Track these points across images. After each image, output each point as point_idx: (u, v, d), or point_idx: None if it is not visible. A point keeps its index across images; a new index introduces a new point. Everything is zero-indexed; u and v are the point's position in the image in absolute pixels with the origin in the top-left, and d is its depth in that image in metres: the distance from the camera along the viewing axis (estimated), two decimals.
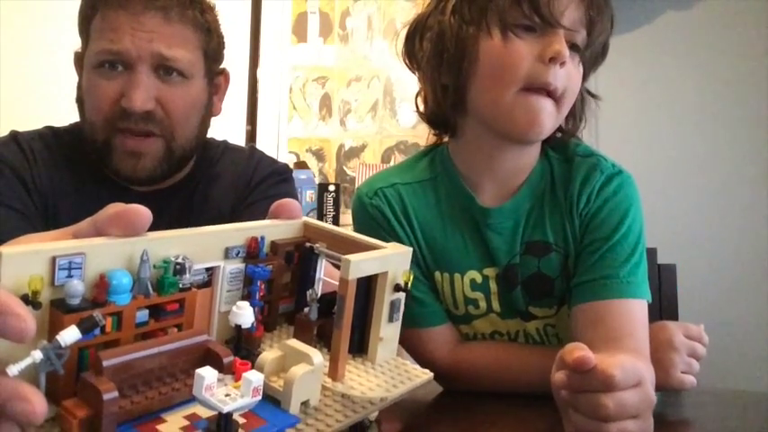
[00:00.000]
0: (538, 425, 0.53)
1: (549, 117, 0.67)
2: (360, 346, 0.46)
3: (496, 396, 0.66)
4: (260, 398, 0.30)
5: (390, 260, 0.43)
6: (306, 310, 0.45)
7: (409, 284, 0.44)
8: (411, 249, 0.45)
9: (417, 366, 0.46)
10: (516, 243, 0.73)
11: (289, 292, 0.50)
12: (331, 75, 2.26)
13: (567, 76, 0.66)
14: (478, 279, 0.74)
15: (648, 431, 0.49)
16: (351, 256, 0.39)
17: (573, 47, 0.67)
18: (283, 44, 2.25)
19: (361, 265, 0.40)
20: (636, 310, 0.67)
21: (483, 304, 0.75)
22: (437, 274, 0.75)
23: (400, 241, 0.59)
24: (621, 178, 0.73)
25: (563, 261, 0.73)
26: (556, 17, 0.64)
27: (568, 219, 0.72)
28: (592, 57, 0.71)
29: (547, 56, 0.63)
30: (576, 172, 0.73)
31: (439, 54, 0.70)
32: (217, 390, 0.29)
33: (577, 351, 0.47)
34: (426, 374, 0.45)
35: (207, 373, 0.29)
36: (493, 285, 0.74)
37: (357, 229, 0.76)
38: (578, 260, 0.71)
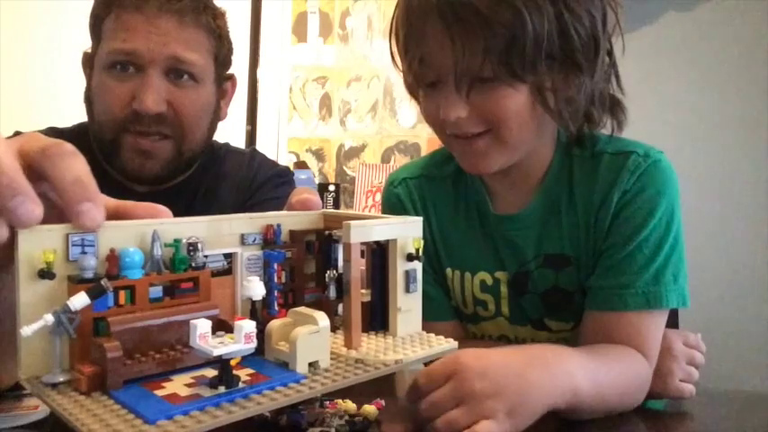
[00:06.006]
0: (538, 425, 0.52)
1: (484, 155, 0.64)
2: (383, 324, 0.46)
3: None
4: (254, 345, 0.30)
5: (397, 227, 0.43)
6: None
7: (420, 252, 0.44)
8: (420, 218, 0.45)
9: (442, 337, 0.45)
10: (527, 253, 0.70)
11: (316, 282, 0.50)
12: (331, 75, 2.28)
13: (480, 113, 0.61)
14: (489, 281, 0.73)
15: (478, 412, 0.49)
16: (352, 222, 0.39)
17: (482, 78, 0.60)
18: (283, 44, 2.27)
19: (361, 229, 0.40)
20: (651, 321, 0.64)
21: (492, 307, 0.73)
22: (448, 270, 0.75)
23: None
24: (650, 173, 0.65)
25: (582, 274, 0.69)
26: (431, 73, 0.62)
27: (592, 226, 0.67)
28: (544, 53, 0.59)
29: (441, 118, 0.63)
30: (601, 173, 0.67)
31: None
32: (211, 339, 0.30)
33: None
34: (449, 342, 0.44)
35: (200, 323, 0.30)
36: (504, 289, 0.72)
37: (383, 213, 0.77)
38: (597, 262, 0.67)
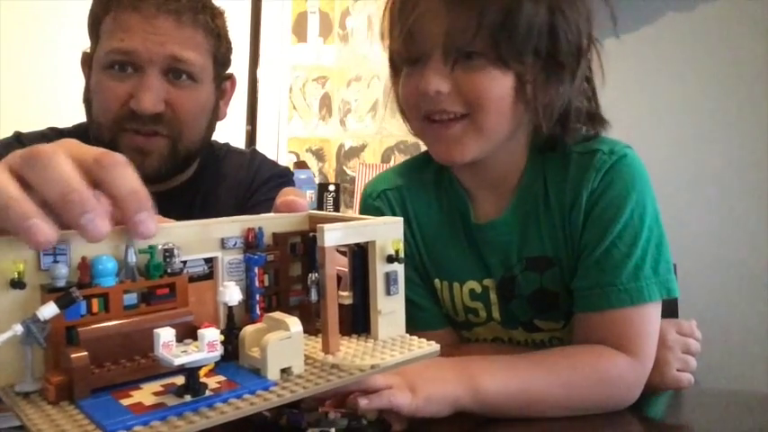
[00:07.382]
0: (539, 424, 0.52)
1: (459, 141, 0.63)
2: (365, 327, 0.46)
3: None
4: (218, 354, 0.30)
5: (374, 230, 0.43)
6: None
7: (400, 254, 0.44)
8: (400, 219, 0.45)
9: (424, 340, 0.44)
10: (511, 258, 0.69)
11: (302, 285, 0.50)
12: (331, 75, 2.28)
13: (461, 92, 0.61)
14: (478, 289, 0.72)
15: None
16: (326, 225, 0.39)
17: (470, 54, 0.61)
18: (283, 44, 2.28)
19: (335, 232, 0.39)
20: (637, 316, 0.62)
21: (483, 313, 0.73)
22: (437, 281, 0.74)
23: None
24: (617, 169, 0.65)
25: (565, 274, 0.68)
26: (419, 46, 0.62)
27: (567, 227, 0.67)
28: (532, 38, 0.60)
29: (420, 92, 0.62)
30: (570, 173, 0.66)
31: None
32: (176, 348, 0.30)
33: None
34: (431, 346, 0.43)
35: (164, 332, 0.30)
36: (493, 296, 0.72)
37: None
38: (577, 264, 0.66)
